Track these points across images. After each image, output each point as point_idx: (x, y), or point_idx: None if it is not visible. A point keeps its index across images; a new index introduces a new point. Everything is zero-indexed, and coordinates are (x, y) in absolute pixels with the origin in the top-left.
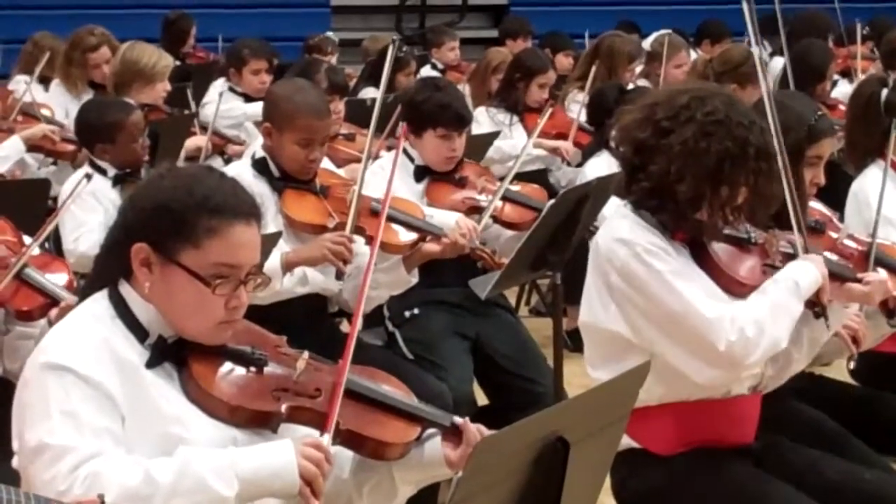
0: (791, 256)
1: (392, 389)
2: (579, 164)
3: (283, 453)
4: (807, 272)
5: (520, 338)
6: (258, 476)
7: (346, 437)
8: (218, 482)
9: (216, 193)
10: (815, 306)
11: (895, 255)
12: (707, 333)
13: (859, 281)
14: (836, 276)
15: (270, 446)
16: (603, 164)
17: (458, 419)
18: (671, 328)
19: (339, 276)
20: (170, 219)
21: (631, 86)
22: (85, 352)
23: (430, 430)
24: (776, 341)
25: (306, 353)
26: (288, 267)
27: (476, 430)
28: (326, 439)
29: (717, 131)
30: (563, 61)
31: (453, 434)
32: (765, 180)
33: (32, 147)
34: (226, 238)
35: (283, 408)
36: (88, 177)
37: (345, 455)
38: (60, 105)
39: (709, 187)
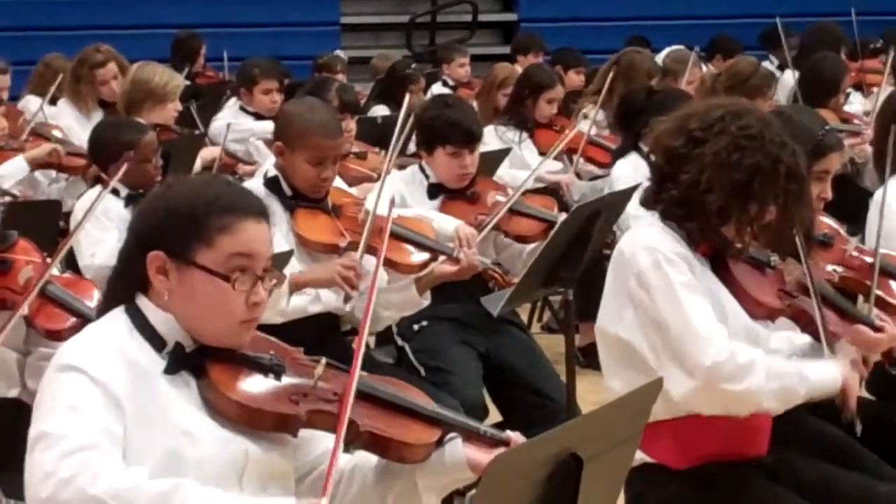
0: (805, 288)
1: (410, 395)
2: (603, 167)
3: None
4: (825, 374)
5: (532, 353)
6: None
7: (367, 440)
8: None
9: (225, 194)
10: (842, 411)
11: None
12: (696, 346)
13: (875, 327)
14: (853, 318)
15: (271, 500)
16: (629, 166)
17: (496, 432)
18: (665, 335)
19: (347, 299)
20: (181, 222)
21: None
22: (98, 356)
23: (451, 434)
24: (758, 393)
25: (324, 360)
26: (294, 287)
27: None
28: (324, 502)
29: (749, 146)
30: (574, 78)
31: (476, 437)
32: (794, 202)
33: (42, 164)
34: (238, 233)
35: (303, 411)
36: (106, 189)
37: (369, 463)
38: (69, 122)
39: (738, 201)
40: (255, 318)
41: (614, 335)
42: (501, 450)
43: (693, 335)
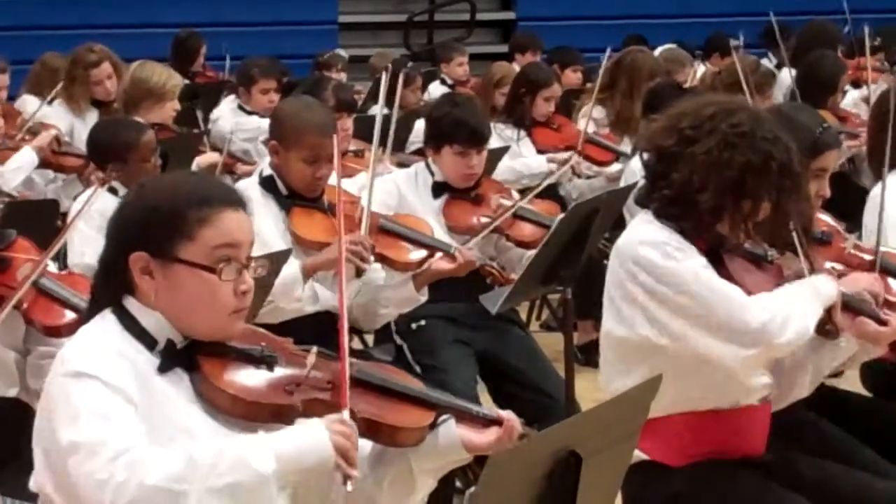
0: None
1: (402, 378)
2: (601, 165)
3: (314, 430)
4: (824, 283)
5: (531, 351)
6: (294, 452)
7: (362, 426)
8: (256, 458)
9: (200, 187)
10: (827, 325)
11: None
12: (740, 314)
13: (880, 320)
14: (857, 311)
15: (300, 427)
16: None
17: (489, 411)
18: (704, 315)
19: (359, 274)
20: (160, 219)
21: None
22: (104, 359)
23: (444, 416)
24: (805, 328)
25: (315, 349)
26: (307, 272)
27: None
28: (346, 414)
29: (740, 143)
30: (571, 76)
31: (470, 417)
32: (787, 197)
33: (47, 154)
34: (218, 223)
35: (298, 401)
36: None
37: (363, 451)
38: (65, 124)
39: (730, 199)
40: (245, 308)
41: (625, 337)
42: (495, 429)
43: (731, 305)
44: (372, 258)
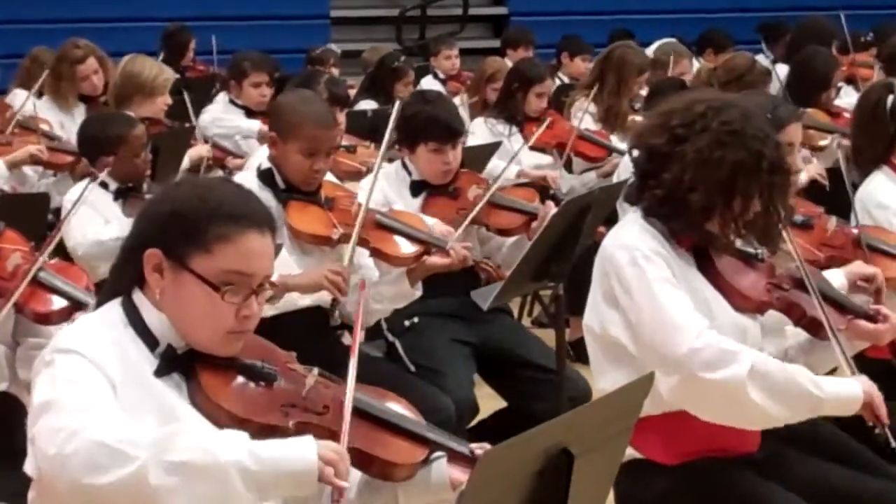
0: (799, 282)
1: (401, 410)
2: (593, 162)
3: (302, 441)
4: (843, 385)
5: (521, 332)
6: (273, 453)
7: (353, 457)
8: (222, 447)
9: (230, 201)
10: (869, 422)
11: (883, 237)
12: (671, 337)
13: (873, 318)
14: (851, 312)
15: (288, 439)
16: None
17: (475, 447)
18: (646, 333)
19: (334, 304)
20: (182, 224)
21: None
22: (93, 342)
23: (437, 453)
24: (742, 385)
25: (316, 370)
26: (278, 289)
27: None
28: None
29: (731, 142)
30: (580, 65)
31: (461, 457)
32: (778, 195)
33: (21, 165)
34: (238, 245)
35: (291, 423)
36: (95, 181)
37: (352, 477)
38: (53, 119)
39: (721, 199)
40: (245, 331)
41: (602, 333)
42: None
43: (668, 327)
44: (366, 252)
